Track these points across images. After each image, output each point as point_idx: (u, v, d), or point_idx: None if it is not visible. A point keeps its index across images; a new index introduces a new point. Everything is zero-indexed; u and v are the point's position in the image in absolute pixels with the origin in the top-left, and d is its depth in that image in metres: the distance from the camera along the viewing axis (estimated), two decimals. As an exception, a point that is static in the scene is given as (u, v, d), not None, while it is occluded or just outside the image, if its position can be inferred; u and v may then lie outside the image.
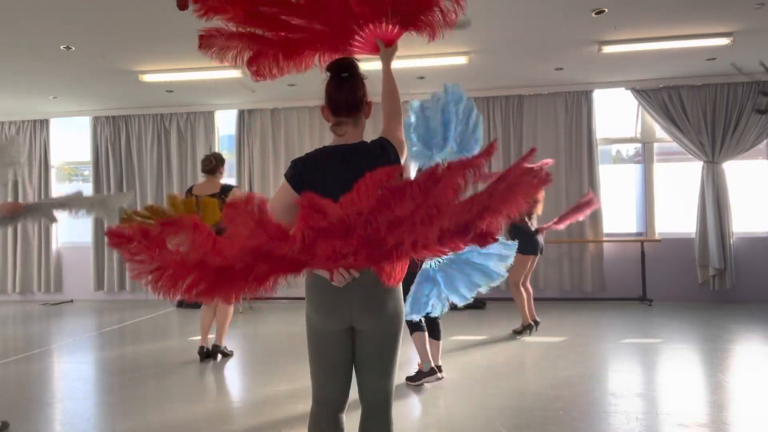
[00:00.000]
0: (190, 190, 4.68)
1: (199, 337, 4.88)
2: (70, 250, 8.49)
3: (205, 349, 4.70)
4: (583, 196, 5.92)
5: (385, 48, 2.15)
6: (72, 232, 8.54)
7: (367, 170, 1.86)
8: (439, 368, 4.04)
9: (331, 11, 2.05)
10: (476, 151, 3.63)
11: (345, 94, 1.92)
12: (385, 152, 1.92)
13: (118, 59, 5.78)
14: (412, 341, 3.97)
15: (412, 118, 2.58)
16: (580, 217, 5.41)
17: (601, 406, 3.44)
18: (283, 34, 2.15)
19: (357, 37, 2.14)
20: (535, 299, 5.64)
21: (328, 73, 1.96)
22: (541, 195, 5.31)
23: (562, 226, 5.39)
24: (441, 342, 4.13)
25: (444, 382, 3.97)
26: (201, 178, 4.87)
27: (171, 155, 8.12)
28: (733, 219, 6.90)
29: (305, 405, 3.50)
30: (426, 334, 4.04)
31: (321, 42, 2.17)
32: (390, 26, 2.08)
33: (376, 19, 2.06)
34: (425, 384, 3.94)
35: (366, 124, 2.03)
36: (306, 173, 1.87)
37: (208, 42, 2.17)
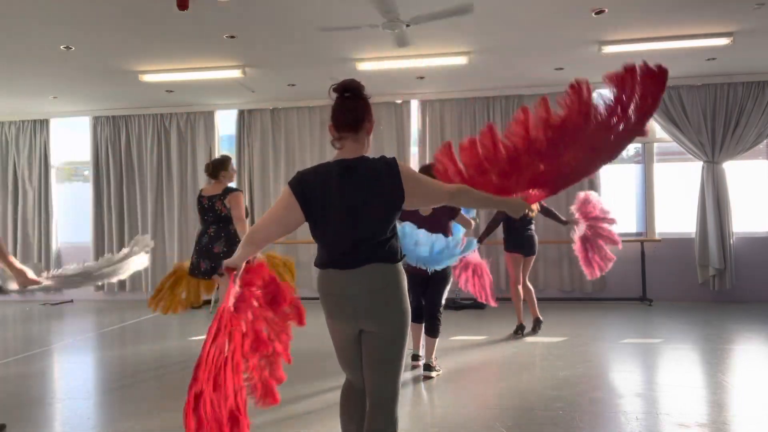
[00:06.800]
0: (201, 192, 4.72)
1: (200, 337, 4.88)
2: (70, 250, 8.48)
3: None
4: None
5: (523, 200, 2.43)
6: (72, 232, 8.55)
7: (365, 183, 1.92)
8: (427, 366, 4.05)
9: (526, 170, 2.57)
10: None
11: (346, 112, 2.03)
12: (388, 167, 2.02)
13: (118, 59, 5.78)
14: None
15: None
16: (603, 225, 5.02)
17: (600, 406, 3.44)
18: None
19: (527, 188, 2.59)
20: (536, 299, 5.54)
21: (335, 95, 2.06)
22: (535, 206, 5.18)
23: (579, 229, 5.03)
24: (437, 340, 4.14)
25: (444, 382, 3.97)
26: (203, 180, 4.87)
27: (171, 155, 8.11)
28: (733, 219, 6.90)
29: (306, 405, 3.52)
30: (422, 326, 4.16)
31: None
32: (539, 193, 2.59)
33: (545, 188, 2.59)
34: (423, 380, 3.99)
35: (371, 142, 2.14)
36: (308, 183, 2.01)
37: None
